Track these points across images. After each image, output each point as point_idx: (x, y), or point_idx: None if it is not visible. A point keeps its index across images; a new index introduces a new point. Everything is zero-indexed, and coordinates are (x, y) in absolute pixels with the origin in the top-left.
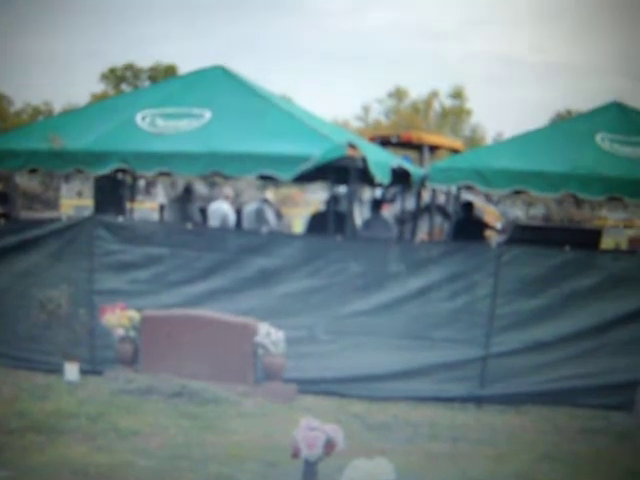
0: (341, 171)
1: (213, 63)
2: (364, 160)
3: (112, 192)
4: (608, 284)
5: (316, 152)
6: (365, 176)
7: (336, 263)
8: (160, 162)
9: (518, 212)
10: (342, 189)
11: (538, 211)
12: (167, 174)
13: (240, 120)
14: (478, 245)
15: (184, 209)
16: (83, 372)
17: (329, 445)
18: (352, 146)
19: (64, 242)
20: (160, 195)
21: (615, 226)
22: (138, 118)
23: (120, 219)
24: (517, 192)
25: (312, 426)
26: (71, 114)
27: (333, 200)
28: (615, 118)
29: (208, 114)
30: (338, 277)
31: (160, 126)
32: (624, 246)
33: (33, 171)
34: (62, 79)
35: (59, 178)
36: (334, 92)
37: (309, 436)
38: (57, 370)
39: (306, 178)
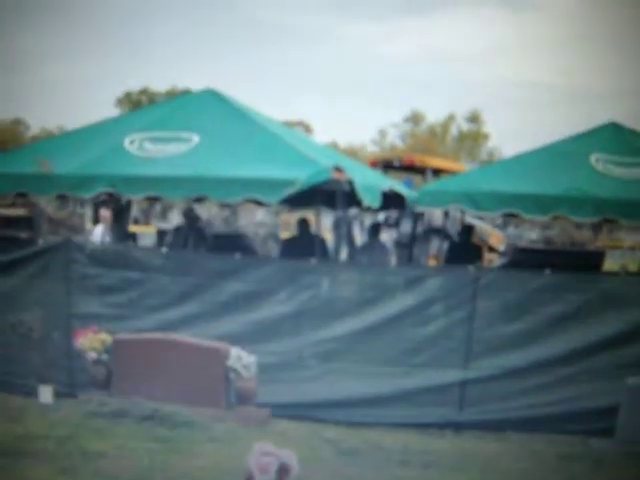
0: (332, 194)
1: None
2: (351, 183)
3: (116, 216)
4: (588, 307)
5: (302, 176)
6: (357, 199)
7: (310, 288)
8: (147, 186)
9: (532, 234)
10: (351, 212)
11: (553, 232)
12: (156, 198)
13: (227, 144)
14: (455, 268)
15: (187, 235)
16: (61, 395)
17: (283, 470)
18: (338, 169)
19: (41, 265)
20: (175, 219)
21: (631, 247)
22: (127, 142)
23: (94, 243)
24: (509, 215)
25: (265, 451)
26: (61, 137)
27: (337, 224)
28: (611, 138)
29: (196, 138)
30: (312, 302)
31: (148, 150)
32: (633, 268)
33: (21, 195)
34: (79, 104)
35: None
36: (351, 117)
37: (262, 461)
38: (34, 393)
39: (295, 202)
